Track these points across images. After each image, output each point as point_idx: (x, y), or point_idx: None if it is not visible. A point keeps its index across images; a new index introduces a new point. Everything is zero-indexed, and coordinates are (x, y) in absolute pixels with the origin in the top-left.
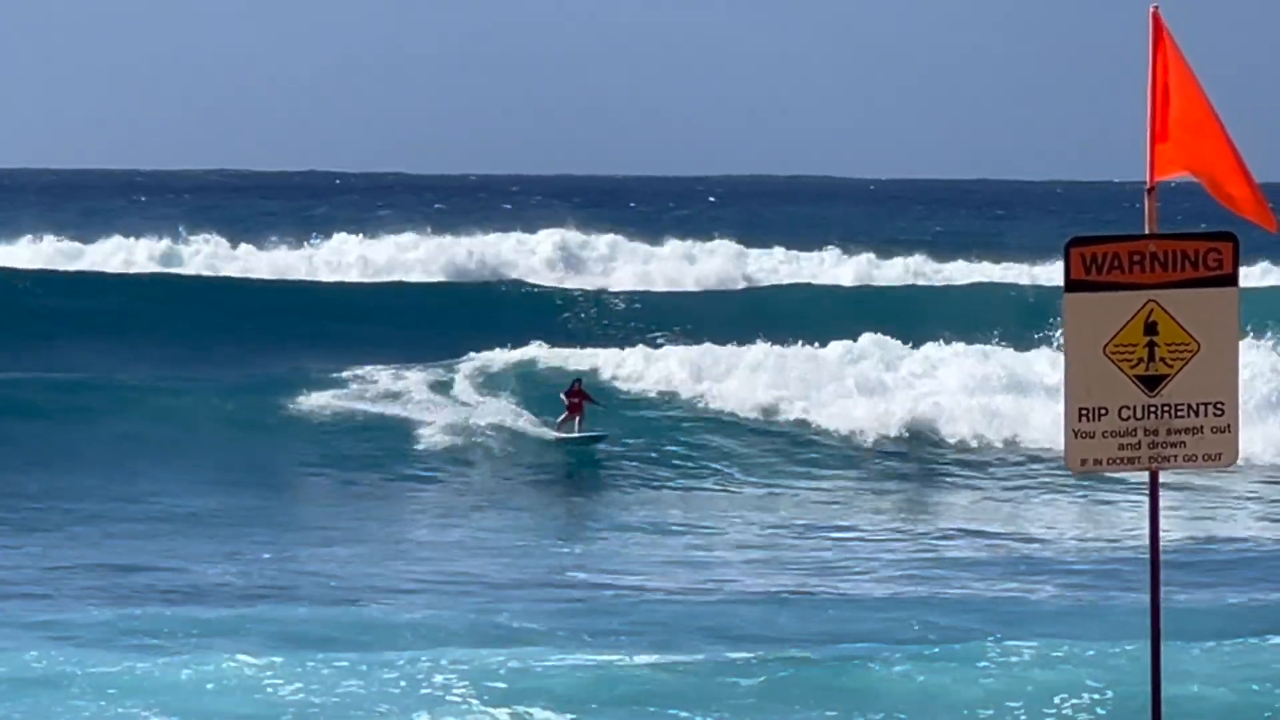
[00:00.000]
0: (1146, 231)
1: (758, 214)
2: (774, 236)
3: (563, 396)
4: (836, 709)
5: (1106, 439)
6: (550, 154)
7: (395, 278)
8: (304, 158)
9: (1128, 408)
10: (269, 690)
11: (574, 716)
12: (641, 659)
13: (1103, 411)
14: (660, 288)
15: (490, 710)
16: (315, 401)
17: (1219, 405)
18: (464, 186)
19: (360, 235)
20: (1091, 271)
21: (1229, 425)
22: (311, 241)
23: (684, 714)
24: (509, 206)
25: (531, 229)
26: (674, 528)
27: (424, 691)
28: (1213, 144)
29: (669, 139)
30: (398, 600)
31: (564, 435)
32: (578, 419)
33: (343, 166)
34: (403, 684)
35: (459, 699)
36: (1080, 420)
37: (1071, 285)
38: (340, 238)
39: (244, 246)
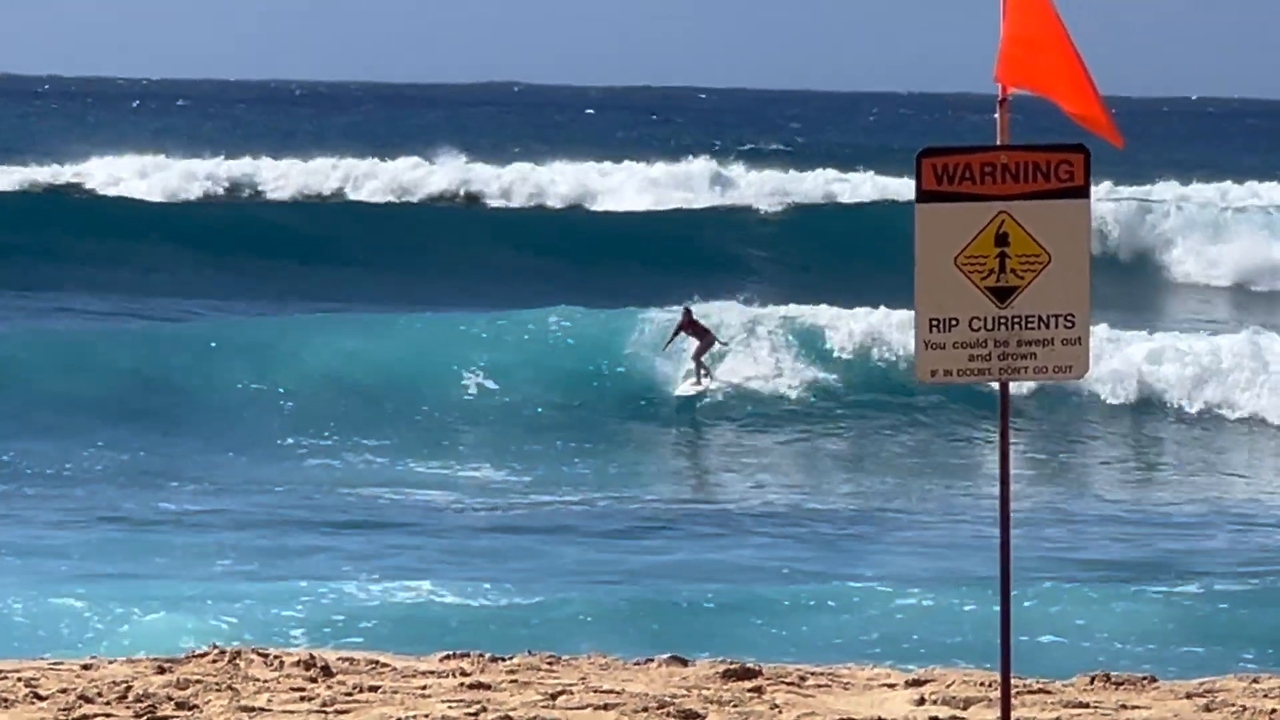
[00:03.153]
0: (998, 143)
1: None
2: None
3: (682, 332)
4: None
5: (957, 350)
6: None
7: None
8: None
9: (978, 319)
10: None
11: None
12: None
13: (953, 323)
14: None
15: None
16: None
17: (1069, 318)
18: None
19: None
20: (943, 182)
21: (1080, 338)
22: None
23: None
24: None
25: None
26: None
27: None
28: (1058, 59)
29: None
30: None
31: (697, 374)
32: (704, 354)
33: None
34: None
35: None
36: (931, 331)
37: (923, 196)
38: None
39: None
